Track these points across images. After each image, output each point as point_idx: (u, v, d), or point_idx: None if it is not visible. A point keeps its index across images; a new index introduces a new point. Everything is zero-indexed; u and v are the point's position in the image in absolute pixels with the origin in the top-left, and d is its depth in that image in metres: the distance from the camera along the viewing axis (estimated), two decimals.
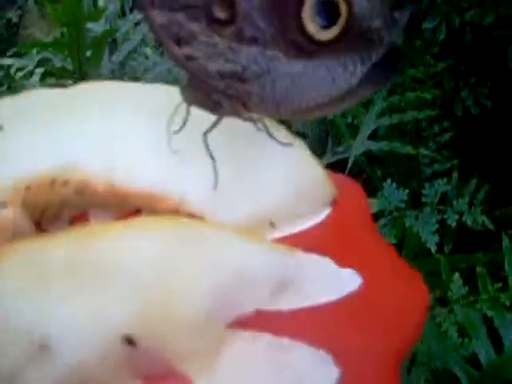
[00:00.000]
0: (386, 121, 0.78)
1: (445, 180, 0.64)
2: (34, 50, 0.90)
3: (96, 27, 0.87)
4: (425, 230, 0.60)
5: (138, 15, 0.88)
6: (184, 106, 0.22)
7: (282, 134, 0.23)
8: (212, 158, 0.21)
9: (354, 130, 0.78)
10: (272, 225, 0.22)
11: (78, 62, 0.81)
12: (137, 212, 0.23)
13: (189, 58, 0.21)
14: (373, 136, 0.78)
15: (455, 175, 0.74)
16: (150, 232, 0.19)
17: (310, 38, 0.21)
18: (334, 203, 0.23)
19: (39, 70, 0.88)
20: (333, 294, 0.20)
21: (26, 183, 0.22)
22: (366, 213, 0.24)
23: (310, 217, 0.23)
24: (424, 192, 0.64)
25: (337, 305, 0.20)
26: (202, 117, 0.22)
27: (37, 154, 0.22)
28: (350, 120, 0.81)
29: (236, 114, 0.22)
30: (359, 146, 0.72)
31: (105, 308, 0.18)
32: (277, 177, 0.22)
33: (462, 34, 0.78)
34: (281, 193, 0.22)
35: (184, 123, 0.22)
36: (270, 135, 0.22)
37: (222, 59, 0.21)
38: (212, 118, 0.22)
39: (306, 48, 0.21)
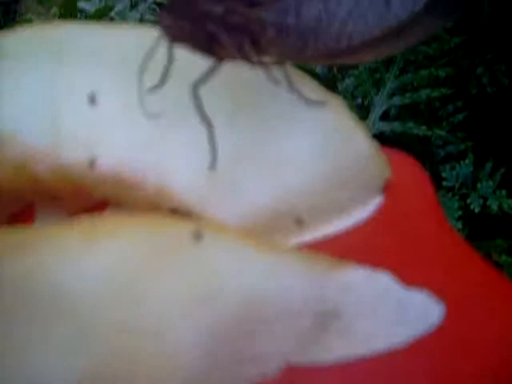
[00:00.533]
0: (397, 100, 0.70)
1: (466, 162, 0.56)
2: None
3: (89, 7, 0.79)
4: (448, 217, 0.52)
5: None
6: (164, 47, 0.14)
7: (309, 86, 0.15)
8: (208, 123, 0.13)
9: (365, 110, 0.70)
10: (299, 222, 0.14)
11: None
12: (100, 205, 0.15)
13: None
14: (384, 117, 0.70)
15: (470, 157, 0.66)
16: (113, 242, 0.11)
17: None
18: (388, 188, 0.15)
19: None
20: (399, 335, 0.12)
21: None
22: (431, 200, 0.16)
23: (353, 209, 0.15)
24: (444, 175, 0.56)
25: (406, 352, 0.12)
26: (190, 63, 0.14)
27: None
28: (360, 101, 0.73)
29: (241, 55, 0.14)
30: (371, 127, 0.65)
31: (43, 366, 0.10)
32: (304, 152, 0.14)
33: (479, 7, 0.70)
34: (311, 175, 0.14)
35: (165, 74, 0.14)
36: (293, 89, 0.14)
37: None
38: (205, 63, 0.14)
39: None
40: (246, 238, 0.12)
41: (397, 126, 0.67)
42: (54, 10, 0.75)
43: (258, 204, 0.14)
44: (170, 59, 0.14)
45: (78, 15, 0.73)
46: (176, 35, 0.13)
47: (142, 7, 0.82)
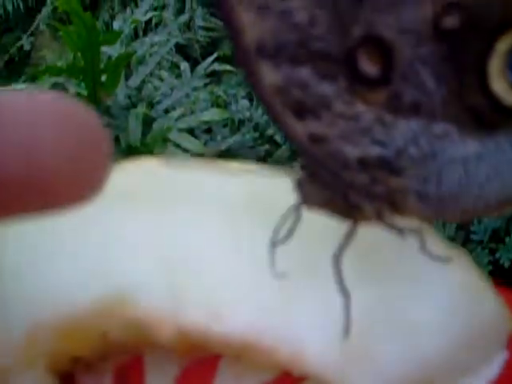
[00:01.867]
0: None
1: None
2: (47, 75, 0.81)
3: (111, 51, 0.78)
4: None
5: (154, 38, 0.79)
6: (293, 211, 0.13)
7: (434, 242, 0.14)
8: (346, 293, 0.13)
9: None
10: None
11: (92, 87, 0.73)
12: (213, 358, 0.14)
13: (315, 138, 0.12)
14: None
15: None
16: None
17: (495, 103, 0.13)
18: (510, 342, 0.14)
19: None
20: None
21: (54, 325, 0.14)
22: None
23: (481, 368, 0.14)
24: (473, 228, 0.55)
25: None
26: (315, 222, 0.14)
27: (71, 282, 0.14)
28: None
29: (377, 220, 0.13)
30: None
31: None
32: (434, 314, 0.13)
33: None
34: (442, 338, 0.13)
35: (290, 232, 0.13)
36: (426, 250, 0.13)
37: (366, 140, 0.12)
38: (333, 223, 0.13)
39: (489, 117, 0.13)
40: None
41: None
42: (76, 53, 0.75)
43: (392, 373, 0.13)
44: (298, 218, 0.13)
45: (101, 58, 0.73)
46: (315, 203, 0.13)
47: (161, 51, 0.82)
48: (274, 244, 0.13)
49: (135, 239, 0.14)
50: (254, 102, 0.79)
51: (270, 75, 0.11)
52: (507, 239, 0.54)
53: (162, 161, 0.15)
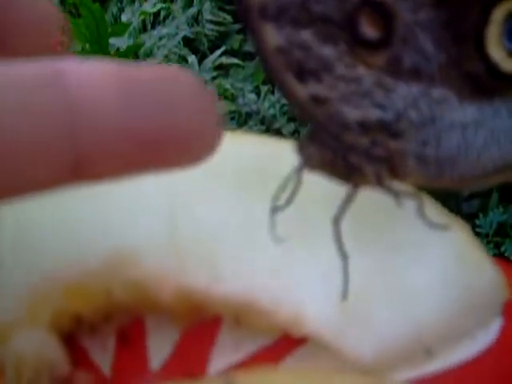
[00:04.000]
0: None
1: (500, 209, 0.55)
2: None
3: (119, 42, 0.79)
4: None
5: (162, 30, 0.80)
6: (294, 173, 0.13)
7: (433, 209, 0.14)
8: (344, 255, 0.13)
9: None
10: (428, 352, 0.13)
11: None
12: (214, 322, 0.15)
13: (317, 99, 0.12)
14: None
15: (495, 196, 0.66)
16: None
17: (492, 69, 0.13)
18: (506, 310, 0.15)
19: None
20: None
21: (57, 283, 0.14)
22: None
23: (477, 333, 0.14)
24: (478, 222, 0.55)
25: None
26: (317, 186, 0.14)
27: (75, 240, 0.14)
28: None
29: (377, 183, 0.13)
30: None
31: None
32: (431, 279, 0.14)
33: None
34: (439, 303, 0.14)
35: (292, 197, 0.14)
36: (423, 215, 0.14)
37: (366, 102, 0.12)
38: (334, 187, 0.14)
39: (487, 83, 0.13)
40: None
41: None
42: (84, 45, 0.75)
43: (389, 335, 0.13)
44: (299, 182, 0.13)
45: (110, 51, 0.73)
46: (317, 164, 0.13)
47: (169, 44, 0.82)
48: (275, 208, 0.14)
49: (137, 198, 0.15)
50: (262, 96, 0.80)
51: (273, 36, 0.12)
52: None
53: None
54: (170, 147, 0.10)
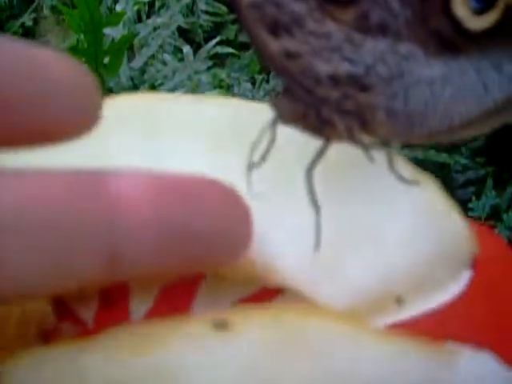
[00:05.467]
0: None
1: (493, 192, 0.56)
2: None
3: (114, 33, 0.79)
4: None
5: (157, 19, 0.80)
6: (268, 127, 0.14)
7: (403, 166, 0.15)
8: (316, 206, 0.14)
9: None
10: (399, 300, 0.14)
11: (95, 69, 0.73)
12: (196, 278, 0.15)
13: (289, 54, 0.13)
14: (404, 144, 0.70)
15: (490, 182, 0.67)
16: (247, 332, 0.11)
17: (457, 27, 0.14)
18: (476, 263, 0.15)
19: None
20: None
21: None
22: None
23: (446, 284, 0.15)
24: (471, 205, 0.56)
25: None
26: (290, 142, 0.15)
27: None
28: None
29: (349, 137, 0.14)
30: None
31: None
32: (401, 230, 0.14)
33: None
34: (411, 254, 0.14)
35: (266, 152, 0.14)
36: (394, 169, 0.15)
37: (336, 57, 0.13)
38: (306, 143, 0.14)
39: (452, 41, 0.14)
40: (358, 325, 0.13)
41: (419, 153, 0.67)
42: (80, 35, 0.76)
43: (361, 285, 0.14)
44: (273, 138, 0.14)
45: (104, 41, 0.74)
46: (290, 118, 0.14)
47: (164, 33, 0.83)
48: (251, 165, 0.14)
49: (124, 164, 0.15)
50: (257, 85, 0.80)
51: None
52: (505, 216, 0.55)
53: (151, 94, 0.16)
54: (200, 245, 0.11)
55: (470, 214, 0.56)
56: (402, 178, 0.14)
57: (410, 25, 0.13)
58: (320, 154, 0.14)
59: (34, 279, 0.10)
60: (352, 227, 0.14)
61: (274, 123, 0.14)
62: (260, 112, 0.15)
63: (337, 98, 0.13)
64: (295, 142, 0.14)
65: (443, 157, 0.69)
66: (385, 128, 0.14)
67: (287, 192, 0.14)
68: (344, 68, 0.13)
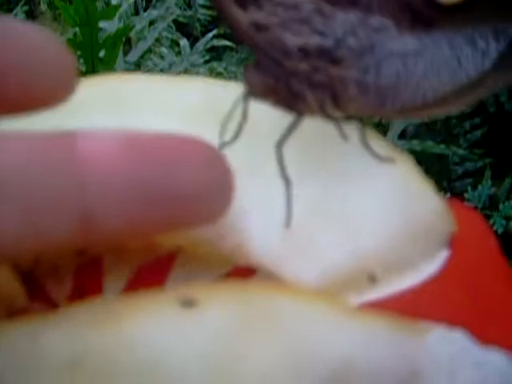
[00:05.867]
0: (415, 119, 0.70)
1: (489, 182, 0.56)
2: None
3: (109, 26, 0.79)
4: None
5: (153, 13, 0.80)
6: (239, 102, 0.14)
7: (378, 143, 0.15)
8: (287, 181, 0.14)
9: (383, 129, 0.71)
10: (372, 279, 0.14)
11: (91, 62, 0.73)
12: (167, 258, 0.15)
13: (257, 26, 0.13)
14: (402, 135, 0.70)
15: (488, 174, 0.67)
16: (213, 308, 0.11)
17: (431, 0, 0.13)
18: (453, 242, 0.15)
19: None
20: None
21: None
22: (496, 256, 0.16)
23: (423, 263, 0.15)
24: (467, 196, 0.56)
25: None
26: (263, 119, 0.14)
27: None
28: (378, 119, 0.73)
29: (321, 111, 0.14)
30: None
31: None
32: (376, 208, 0.14)
33: None
34: (383, 231, 0.14)
35: (239, 129, 0.14)
36: (366, 145, 0.14)
37: (306, 29, 0.13)
38: (279, 119, 0.14)
39: (425, 14, 0.14)
40: (328, 301, 0.12)
41: (415, 144, 0.67)
42: (76, 29, 0.76)
43: (333, 261, 0.14)
44: (245, 115, 0.14)
45: (99, 34, 0.74)
46: (260, 92, 0.13)
47: (160, 26, 0.83)
48: (222, 144, 0.14)
49: None
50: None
51: None
52: (501, 206, 0.55)
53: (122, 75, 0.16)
54: (176, 206, 0.11)
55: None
56: (376, 155, 0.14)
57: None
58: (291, 128, 0.13)
59: (5, 240, 0.10)
60: (324, 204, 0.14)
61: (245, 97, 0.13)
62: (233, 88, 0.15)
63: (306, 71, 0.13)
64: (268, 116, 0.14)
65: (441, 148, 0.68)
66: (356, 102, 0.13)
67: (259, 168, 0.14)
68: (314, 40, 0.13)
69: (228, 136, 0.14)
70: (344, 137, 0.14)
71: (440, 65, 0.14)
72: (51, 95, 0.11)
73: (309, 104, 0.13)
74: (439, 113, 0.15)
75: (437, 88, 0.14)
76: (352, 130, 0.15)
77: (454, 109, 0.15)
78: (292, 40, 0.13)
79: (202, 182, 0.11)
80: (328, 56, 0.13)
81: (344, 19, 0.13)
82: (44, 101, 0.11)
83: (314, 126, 0.14)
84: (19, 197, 0.10)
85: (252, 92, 0.13)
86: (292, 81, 0.13)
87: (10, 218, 0.10)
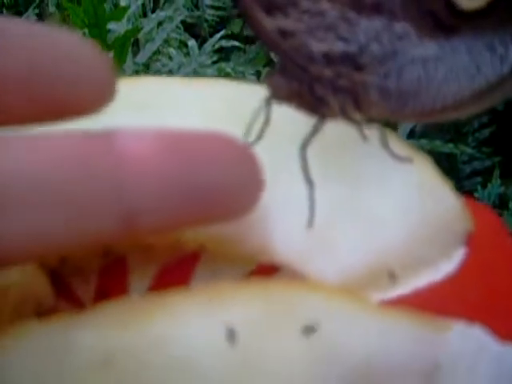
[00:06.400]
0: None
1: (498, 181, 0.56)
2: None
3: (118, 27, 0.79)
4: None
5: (161, 14, 0.81)
6: (263, 105, 0.14)
7: (396, 143, 0.15)
8: (310, 183, 0.14)
9: (392, 128, 0.70)
10: (392, 276, 0.14)
11: None
12: (194, 257, 0.15)
13: (283, 33, 0.13)
14: (410, 134, 0.70)
15: (497, 172, 0.67)
16: (234, 307, 0.12)
17: (451, 7, 0.14)
18: (470, 241, 0.16)
19: None
20: None
21: None
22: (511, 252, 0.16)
23: (440, 262, 0.15)
24: (477, 194, 0.56)
25: None
26: (285, 121, 0.15)
27: None
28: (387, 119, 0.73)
29: (343, 115, 0.14)
30: None
31: None
32: (394, 207, 0.15)
33: None
34: (402, 231, 0.15)
35: (262, 131, 0.15)
36: (386, 146, 0.15)
37: (331, 35, 0.13)
38: (302, 122, 0.15)
39: (446, 21, 0.14)
40: (350, 299, 0.13)
41: (424, 143, 0.67)
42: (84, 30, 0.76)
43: (354, 260, 0.14)
44: (268, 117, 0.14)
45: (108, 36, 0.74)
46: (284, 95, 0.14)
47: (168, 27, 0.83)
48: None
49: None
50: (261, 78, 0.81)
51: None
52: (510, 204, 0.55)
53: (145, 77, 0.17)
54: (210, 202, 0.11)
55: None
56: (395, 155, 0.15)
57: (405, 4, 0.13)
58: (314, 131, 0.14)
59: (47, 240, 0.11)
60: (345, 204, 0.15)
61: (268, 101, 0.14)
62: (254, 91, 0.15)
63: (330, 76, 0.13)
64: (290, 120, 0.15)
65: (449, 147, 0.69)
66: (378, 106, 0.14)
67: (282, 170, 0.15)
68: (338, 47, 0.13)
69: (251, 138, 0.15)
70: (364, 138, 0.15)
71: (459, 70, 0.14)
72: (95, 101, 0.12)
73: (331, 108, 0.14)
74: (457, 116, 0.15)
75: (456, 92, 0.14)
76: (371, 131, 0.15)
77: (472, 112, 0.15)
78: (317, 46, 0.13)
79: (234, 178, 0.12)
80: (352, 62, 0.13)
81: (368, 26, 0.13)
82: (88, 107, 0.12)
83: (334, 129, 0.15)
84: (61, 195, 0.10)
85: (276, 96, 0.14)
86: (316, 85, 0.14)
87: (55, 220, 0.10)
